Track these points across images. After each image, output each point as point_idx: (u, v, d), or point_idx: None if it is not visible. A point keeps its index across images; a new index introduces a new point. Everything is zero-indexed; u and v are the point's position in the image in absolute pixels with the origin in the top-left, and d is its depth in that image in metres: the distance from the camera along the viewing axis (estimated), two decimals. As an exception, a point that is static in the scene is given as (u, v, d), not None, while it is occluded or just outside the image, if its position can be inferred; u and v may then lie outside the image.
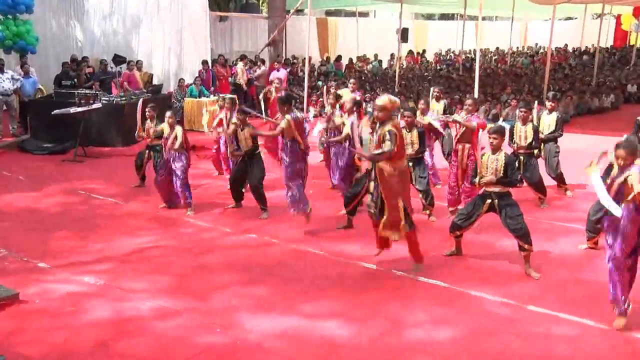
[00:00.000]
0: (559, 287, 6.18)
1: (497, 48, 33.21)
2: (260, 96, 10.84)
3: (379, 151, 6.01)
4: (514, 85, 19.87)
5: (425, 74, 25.14)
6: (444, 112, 10.66)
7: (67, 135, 12.42)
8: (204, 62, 16.95)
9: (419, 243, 6.43)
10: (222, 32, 21.77)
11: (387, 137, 5.95)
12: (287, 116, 7.51)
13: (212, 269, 6.66)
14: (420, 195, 8.13)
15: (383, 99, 6.11)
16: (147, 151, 9.57)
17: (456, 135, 7.89)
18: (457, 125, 7.77)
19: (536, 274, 6.45)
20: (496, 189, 6.37)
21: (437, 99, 10.56)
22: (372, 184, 6.26)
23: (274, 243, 7.49)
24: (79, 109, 12.00)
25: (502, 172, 6.29)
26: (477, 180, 6.46)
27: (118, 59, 15.47)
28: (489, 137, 6.40)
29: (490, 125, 6.75)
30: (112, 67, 15.58)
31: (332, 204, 8.65)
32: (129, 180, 10.05)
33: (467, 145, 7.55)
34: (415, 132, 8.03)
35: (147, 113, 9.30)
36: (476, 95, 15.65)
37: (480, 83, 16.81)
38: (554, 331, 5.35)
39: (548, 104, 9.27)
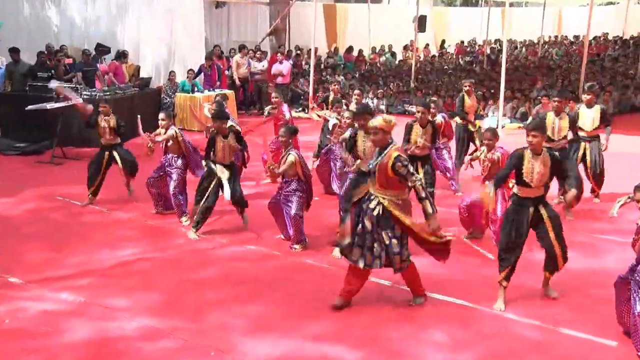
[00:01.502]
0: (595, 308, 6.17)
1: (513, 39, 33.15)
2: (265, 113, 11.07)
3: (424, 195, 5.70)
4: (546, 80, 19.86)
5: (445, 67, 25.15)
6: (477, 110, 10.74)
7: (42, 134, 12.51)
8: (208, 58, 17.02)
9: (419, 275, 6.25)
10: (218, 19, 21.80)
11: (403, 168, 5.66)
12: (294, 153, 7.52)
13: (206, 284, 6.68)
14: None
15: (377, 120, 5.83)
16: (105, 153, 9.46)
17: (482, 172, 7.86)
18: (480, 161, 7.78)
19: (555, 292, 6.42)
20: (539, 194, 6.16)
21: (469, 94, 10.67)
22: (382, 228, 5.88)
23: (275, 255, 7.51)
24: (57, 105, 12.03)
25: (548, 175, 6.05)
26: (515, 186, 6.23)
27: (101, 49, 15.52)
28: (528, 135, 6.00)
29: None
30: (94, 58, 15.62)
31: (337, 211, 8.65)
32: (113, 185, 10.07)
33: None
34: (429, 128, 8.29)
35: (100, 108, 9.46)
36: (502, 90, 15.64)
37: (507, 77, 16.77)
38: (589, 357, 5.34)
39: (584, 96, 9.33)
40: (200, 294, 6.42)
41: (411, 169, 5.74)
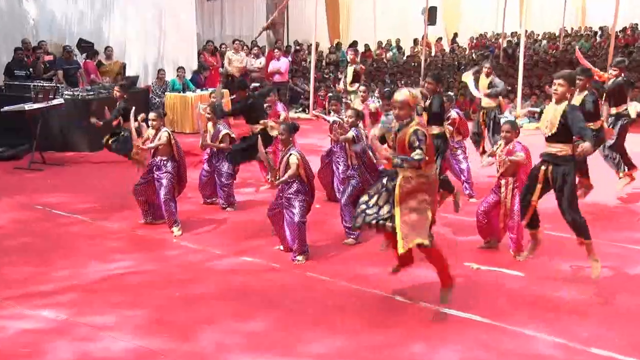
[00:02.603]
0: (627, 324, 6.13)
1: (532, 32, 33.11)
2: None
3: (409, 157, 5.92)
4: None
5: (457, 62, 25.15)
6: (489, 87, 11.36)
7: (20, 138, 12.52)
8: (201, 69, 17.09)
9: (446, 260, 6.32)
10: (211, 13, 21.91)
11: (416, 140, 5.88)
12: (295, 153, 7.54)
13: (200, 299, 6.68)
14: None
15: (403, 93, 6.08)
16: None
17: (498, 169, 7.91)
18: (496, 156, 7.80)
19: (598, 270, 6.69)
20: (552, 150, 6.61)
21: (487, 75, 11.55)
22: (384, 193, 6.20)
23: (275, 268, 7.51)
24: (36, 106, 12.07)
25: (557, 125, 6.55)
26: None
27: (84, 45, 15.55)
28: (554, 83, 6.66)
29: None
30: (76, 55, 15.67)
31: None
32: (99, 192, 10.14)
33: (512, 179, 7.61)
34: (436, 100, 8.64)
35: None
36: (520, 87, 15.66)
37: (525, 73, 16.80)
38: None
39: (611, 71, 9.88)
40: (194, 311, 6.41)
41: (422, 146, 5.87)
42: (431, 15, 22.87)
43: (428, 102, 8.58)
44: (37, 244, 8.28)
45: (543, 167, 6.76)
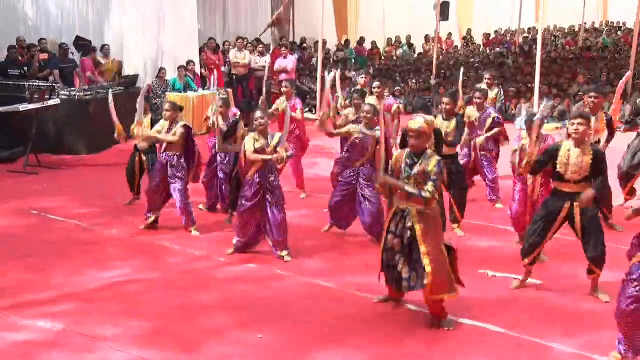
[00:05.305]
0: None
1: (550, 27, 33.02)
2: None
3: (417, 191, 5.91)
4: (589, 74, 19.76)
5: (472, 60, 25.09)
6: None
7: (15, 140, 12.54)
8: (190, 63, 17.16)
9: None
10: (213, 8, 21.91)
11: (434, 175, 5.91)
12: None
13: (203, 309, 6.68)
14: (453, 206, 8.62)
15: (418, 122, 5.97)
16: (136, 154, 9.83)
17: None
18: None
19: (605, 296, 6.63)
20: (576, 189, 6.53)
21: (489, 86, 11.36)
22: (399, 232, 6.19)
23: (282, 276, 7.51)
24: (31, 106, 12.09)
25: (588, 169, 6.46)
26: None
27: (81, 43, 15.59)
28: (572, 124, 6.51)
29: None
30: (73, 53, 15.70)
31: (355, 225, 8.66)
32: (96, 196, 10.14)
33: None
34: (453, 122, 8.44)
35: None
36: (537, 86, 15.59)
37: (543, 71, 16.70)
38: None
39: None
40: (197, 321, 6.41)
41: (432, 187, 5.92)
42: (444, 10, 22.77)
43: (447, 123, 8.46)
44: (33, 250, 8.28)
45: (566, 205, 6.60)
